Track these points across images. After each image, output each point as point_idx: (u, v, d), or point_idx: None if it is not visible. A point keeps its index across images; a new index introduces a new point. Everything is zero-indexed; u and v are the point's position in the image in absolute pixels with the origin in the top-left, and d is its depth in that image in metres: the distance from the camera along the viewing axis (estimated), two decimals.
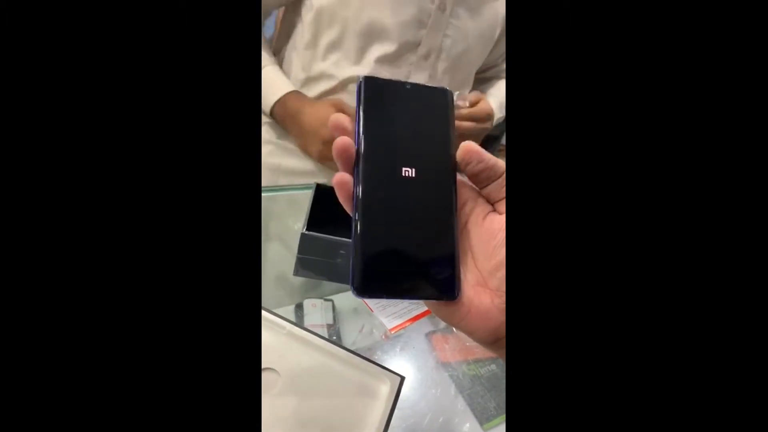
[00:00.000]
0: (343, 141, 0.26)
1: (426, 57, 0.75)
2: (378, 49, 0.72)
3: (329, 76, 0.75)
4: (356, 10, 0.70)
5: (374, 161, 0.27)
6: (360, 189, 0.26)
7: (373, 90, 0.28)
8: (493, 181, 0.27)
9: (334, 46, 0.74)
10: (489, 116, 0.79)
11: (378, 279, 0.26)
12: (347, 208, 0.27)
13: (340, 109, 0.72)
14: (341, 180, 0.26)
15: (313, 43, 0.75)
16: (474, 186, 0.29)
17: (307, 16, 0.74)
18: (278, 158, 0.81)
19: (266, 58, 0.78)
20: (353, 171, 0.27)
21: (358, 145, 0.27)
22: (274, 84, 0.76)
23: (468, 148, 0.27)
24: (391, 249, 0.26)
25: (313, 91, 0.78)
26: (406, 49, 0.73)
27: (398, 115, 0.28)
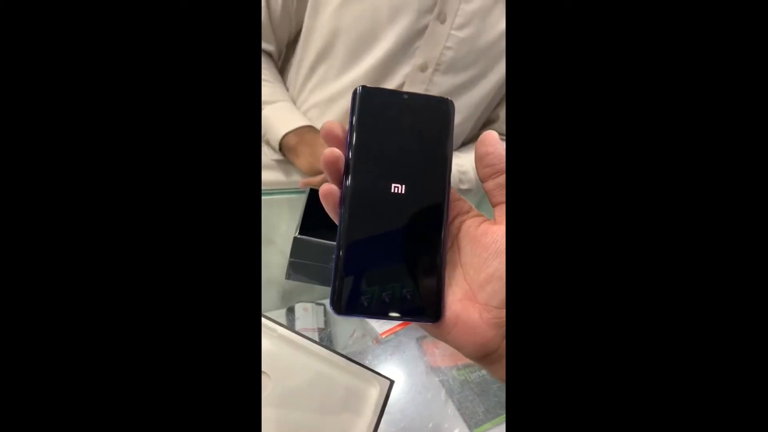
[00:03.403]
0: (333, 153, 0.26)
1: (422, 69, 0.71)
2: (367, 60, 0.70)
3: (317, 89, 0.75)
4: (351, 20, 0.68)
5: (362, 176, 0.26)
6: (345, 205, 0.26)
7: (369, 100, 0.27)
8: (494, 174, 0.27)
9: (320, 59, 0.72)
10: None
11: (357, 298, 0.26)
12: (334, 218, 0.27)
13: None
14: (328, 191, 0.26)
15: (299, 59, 0.74)
16: (467, 200, 0.29)
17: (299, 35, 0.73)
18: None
19: (282, 93, 0.77)
20: (341, 183, 0.26)
21: (348, 157, 0.26)
22: (289, 117, 0.74)
23: (487, 132, 0.27)
24: (372, 268, 0.26)
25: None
26: (398, 57, 0.70)
27: (392, 127, 0.27)
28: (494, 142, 0.27)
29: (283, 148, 0.74)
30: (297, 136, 0.73)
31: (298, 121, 0.73)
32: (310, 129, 0.74)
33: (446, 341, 0.26)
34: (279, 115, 0.75)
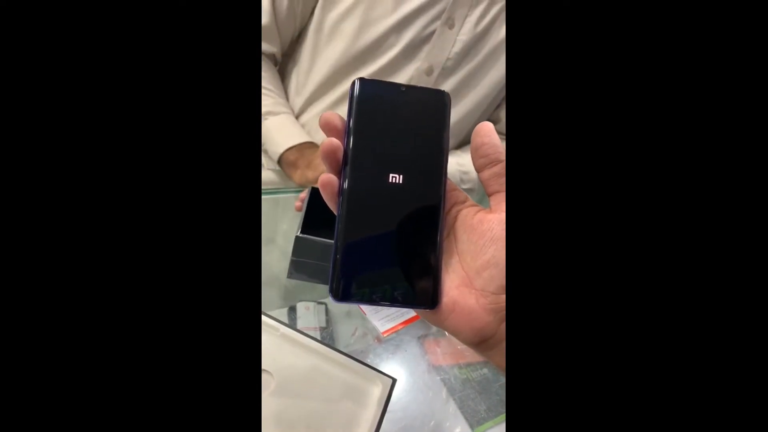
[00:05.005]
0: (331, 143, 0.26)
1: (428, 72, 0.72)
2: (372, 66, 0.71)
3: (326, 90, 0.75)
4: (359, 24, 0.68)
5: (361, 166, 0.27)
6: (344, 194, 0.26)
7: (366, 91, 0.28)
8: (490, 164, 0.27)
9: (329, 82, 0.73)
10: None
11: (356, 285, 0.26)
12: (333, 208, 0.27)
13: None
14: (327, 181, 0.26)
15: (308, 67, 0.75)
16: (463, 191, 0.29)
17: (307, 38, 0.74)
18: None
19: (284, 104, 0.78)
20: (340, 173, 0.27)
21: (347, 147, 0.27)
22: (291, 132, 0.75)
23: (482, 124, 0.27)
24: (370, 256, 0.26)
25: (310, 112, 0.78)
26: (404, 61, 0.71)
27: (390, 119, 0.28)
28: (489, 132, 0.27)
29: (282, 162, 0.75)
30: (298, 152, 0.73)
31: (300, 137, 0.74)
32: (310, 145, 0.74)
33: (444, 327, 0.27)
34: (281, 128, 0.75)
